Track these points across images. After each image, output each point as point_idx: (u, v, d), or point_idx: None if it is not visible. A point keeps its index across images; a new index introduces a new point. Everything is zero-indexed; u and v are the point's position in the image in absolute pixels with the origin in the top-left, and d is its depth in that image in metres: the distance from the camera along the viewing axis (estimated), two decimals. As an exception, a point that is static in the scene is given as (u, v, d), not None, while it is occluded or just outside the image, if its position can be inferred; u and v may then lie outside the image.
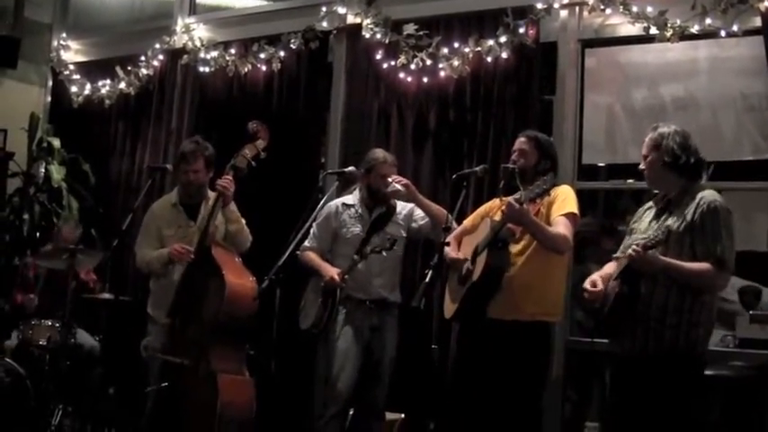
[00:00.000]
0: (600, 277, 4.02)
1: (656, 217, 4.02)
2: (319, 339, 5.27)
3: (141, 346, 5.31)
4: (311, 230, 5.24)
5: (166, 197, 5.56)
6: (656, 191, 4.15)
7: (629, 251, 3.79)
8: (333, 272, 5.08)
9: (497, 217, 4.50)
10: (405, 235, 5.29)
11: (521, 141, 4.67)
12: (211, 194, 5.35)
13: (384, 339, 5.18)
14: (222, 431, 4.66)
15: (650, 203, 4.16)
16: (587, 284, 4.01)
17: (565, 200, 4.48)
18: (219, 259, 4.99)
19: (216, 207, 5.10)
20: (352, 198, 5.34)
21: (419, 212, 5.25)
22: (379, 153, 5.30)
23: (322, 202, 5.13)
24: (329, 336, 5.13)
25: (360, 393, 5.13)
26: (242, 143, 5.28)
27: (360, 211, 5.26)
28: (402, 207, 5.32)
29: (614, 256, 4.20)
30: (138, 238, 5.42)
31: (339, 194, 5.50)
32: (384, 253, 5.00)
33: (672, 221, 3.88)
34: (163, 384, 4.85)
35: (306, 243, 5.24)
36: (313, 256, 5.25)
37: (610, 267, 4.12)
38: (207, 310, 4.94)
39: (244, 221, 5.31)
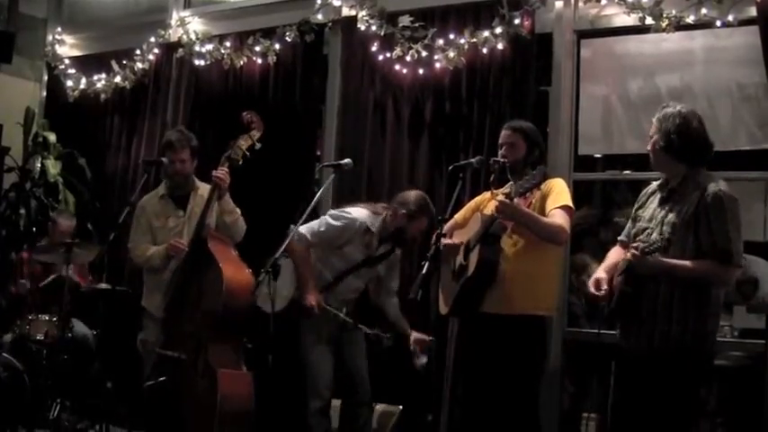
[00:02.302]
0: (605, 274, 3.93)
1: (661, 205, 3.89)
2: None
3: (138, 341, 5.31)
4: (324, 224, 5.01)
5: (154, 191, 5.56)
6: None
7: (628, 254, 3.73)
8: (314, 299, 4.86)
9: (488, 211, 4.44)
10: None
11: (506, 134, 4.57)
12: (199, 184, 5.36)
13: (354, 332, 5.09)
14: (222, 425, 4.67)
15: (655, 186, 4.02)
16: (591, 287, 3.93)
17: (559, 193, 4.43)
18: (216, 251, 4.98)
19: (212, 198, 5.10)
20: (375, 224, 5.04)
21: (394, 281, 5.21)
22: (430, 206, 5.02)
23: (318, 195, 5.07)
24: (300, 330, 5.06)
25: (341, 388, 5.09)
26: (236, 134, 5.27)
27: (373, 241, 5.05)
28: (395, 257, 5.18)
29: (619, 239, 4.15)
30: (130, 234, 5.43)
31: (337, 191, 5.47)
32: (371, 338, 4.98)
33: (674, 215, 3.77)
34: (161, 379, 4.85)
35: (306, 231, 4.93)
36: (309, 261, 5.00)
37: (614, 254, 4.07)
38: (204, 304, 4.93)
39: (239, 212, 5.31)
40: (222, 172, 5.10)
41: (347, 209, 5.13)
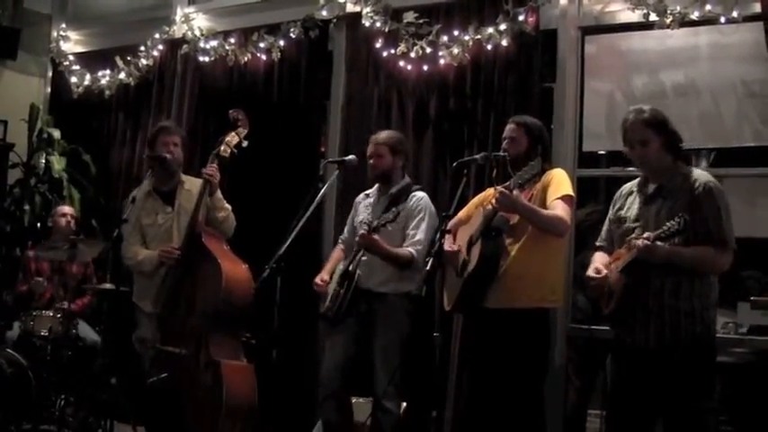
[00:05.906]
0: (602, 265, 3.99)
1: (647, 203, 3.96)
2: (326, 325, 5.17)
3: (133, 339, 5.31)
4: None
5: (138, 187, 5.46)
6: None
7: (638, 242, 3.73)
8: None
9: (490, 206, 4.45)
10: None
11: (510, 128, 4.61)
12: (185, 179, 5.36)
13: (374, 327, 4.99)
14: (228, 418, 4.67)
15: (630, 187, 4.12)
16: (591, 272, 3.99)
17: (559, 183, 4.43)
18: (212, 247, 4.98)
19: (203, 195, 5.11)
20: (369, 191, 5.32)
21: (413, 231, 5.04)
22: (376, 134, 5.27)
23: (322, 191, 5.08)
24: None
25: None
26: (223, 131, 5.29)
27: (373, 198, 5.21)
28: (415, 206, 5.06)
29: (598, 244, 4.19)
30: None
31: (341, 183, 5.47)
32: (389, 227, 4.81)
33: (667, 210, 3.84)
34: (162, 375, 4.85)
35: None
36: (333, 255, 5.38)
37: (600, 258, 4.10)
38: (203, 299, 4.93)
39: (230, 208, 5.32)
40: (212, 169, 5.14)
41: None
